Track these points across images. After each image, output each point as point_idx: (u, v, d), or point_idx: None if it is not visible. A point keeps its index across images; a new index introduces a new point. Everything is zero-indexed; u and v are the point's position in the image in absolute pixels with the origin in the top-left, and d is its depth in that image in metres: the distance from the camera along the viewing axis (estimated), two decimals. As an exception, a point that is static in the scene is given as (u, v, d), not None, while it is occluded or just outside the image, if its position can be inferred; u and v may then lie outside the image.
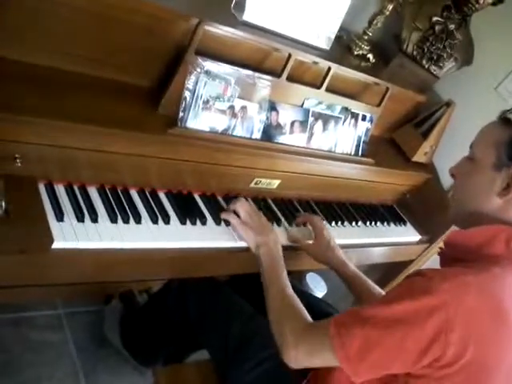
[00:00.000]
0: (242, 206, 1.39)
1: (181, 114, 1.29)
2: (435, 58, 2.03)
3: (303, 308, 1.21)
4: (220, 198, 1.50)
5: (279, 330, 1.17)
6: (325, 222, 1.70)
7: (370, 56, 1.92)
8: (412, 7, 1.98)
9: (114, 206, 1.24)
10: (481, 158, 1.14)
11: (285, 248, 1.50)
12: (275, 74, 1.46)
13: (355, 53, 1.91)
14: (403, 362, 1.01)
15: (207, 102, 1.33)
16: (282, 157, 1.53)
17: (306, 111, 1.57)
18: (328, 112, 1.62)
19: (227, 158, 1.42)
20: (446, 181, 2.07)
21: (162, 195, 1.37)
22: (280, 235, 1.45)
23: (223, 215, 1.40)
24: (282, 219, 1.59)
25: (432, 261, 2.03)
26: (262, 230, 1.36)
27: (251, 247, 1.35)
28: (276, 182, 1.60)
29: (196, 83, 1.30)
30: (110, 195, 1.26)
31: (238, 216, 1.39)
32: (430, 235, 2.04)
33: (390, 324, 1.00)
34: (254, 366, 1.33)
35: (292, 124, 1.54)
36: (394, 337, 1.00)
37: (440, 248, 1.21)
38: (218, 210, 1.44)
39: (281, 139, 1.52)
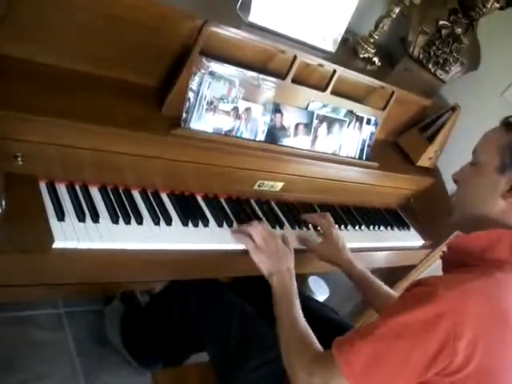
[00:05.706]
0: (258, 231, 1.35)
1: (184, 115, 1.29)
2: (441, 62, 2.02)
3: (313, 338, 1.17)
4: (222, 200, 1.49)
5: (290, 367, 1.14)
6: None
7: (376, 59, 1.91)
8: (419, 11, 1.97)
9: (116, 207, 1.23)
10: (484, 161, 1.16)
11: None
12: (280, 75, 1.45)
13: (361, 56, 1.90)
14: (409, 375, 0.99)
15: (211, 102, 1.32)
16: (286, 159, 1.52)
17: (311, 114, 1.56)
18: (333, 115, 1.62)
19: (230, 160, 1.42)
20: (451, 186, 2.05)
21: (164, 196, 1.36)
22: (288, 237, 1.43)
23: (236, 236, 1.37)
24: (285, 222, 1.58)
25: (435, 266, 2.02)
26: (277, 257, 1.33)
27: (264, 274, 1.32)
28: (279, 185, 1.59)
29: (200, 84, 1.29)
30: (111, 195, 1.26)
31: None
32: (433, 240, 2.03)
33: (397, 334, 0.99)
34: (253, 369, 1.33)
35: (296, 126, 1.53)
36: (402, 347, 0.99)
37: (443, 252, 1.22)
38: (220, 211, 1.43)
39: (285, 141, 1.51)
